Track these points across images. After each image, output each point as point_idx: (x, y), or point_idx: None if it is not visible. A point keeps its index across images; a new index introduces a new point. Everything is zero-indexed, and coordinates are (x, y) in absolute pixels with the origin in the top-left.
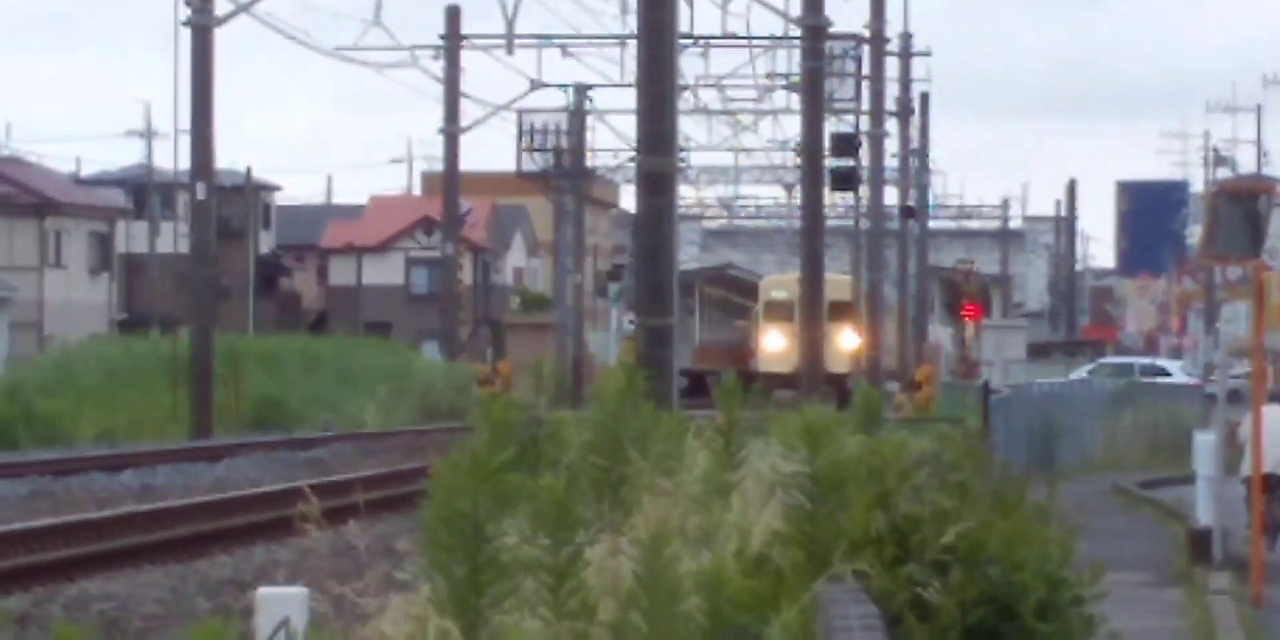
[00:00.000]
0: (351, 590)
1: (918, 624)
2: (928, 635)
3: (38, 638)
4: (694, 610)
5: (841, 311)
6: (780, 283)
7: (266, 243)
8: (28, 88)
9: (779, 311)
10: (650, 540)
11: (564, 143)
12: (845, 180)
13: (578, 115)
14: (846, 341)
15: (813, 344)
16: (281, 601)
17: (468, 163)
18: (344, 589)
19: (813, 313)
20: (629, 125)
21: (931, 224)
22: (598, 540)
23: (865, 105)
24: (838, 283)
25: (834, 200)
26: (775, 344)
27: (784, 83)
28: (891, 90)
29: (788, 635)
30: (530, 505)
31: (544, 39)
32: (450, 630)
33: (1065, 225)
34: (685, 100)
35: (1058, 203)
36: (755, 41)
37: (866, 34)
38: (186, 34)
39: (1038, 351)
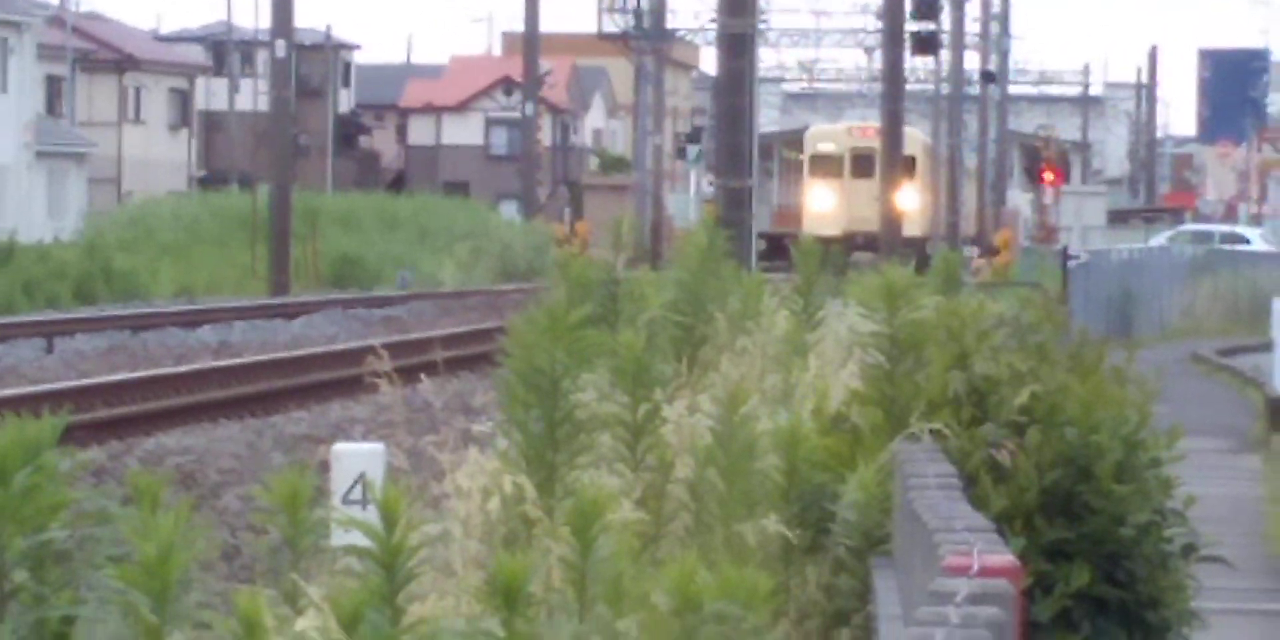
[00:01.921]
0: (428, 444)
1: (994, 484)
2: (1004, 495)
3: (115, 490)
4: (770, 468)
5: (902, 168)
6: (827, 134)
7: (345, 101)
8: None
9: (826, 167)
10: (728, 398)
11: (644, 3)
12: (926, 44)
13: None
14: (905, 201)
15: (891, 206)
16: (357, 456)
17: (548, 23)
18: (420, 442)
19: (891, 175)
20: None
21: (1011, 89)
22: (675, 397)
23: None
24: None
25: (914, 64)
26: (822, 203)
27: None
28: None
29: (864, 493)
30: (608, 362)
31: None
32: (525, 485)
33: (1146, 92)
34: None
35: (1138, 69)
36: None
37: None
38: None
39: (1116, 218)
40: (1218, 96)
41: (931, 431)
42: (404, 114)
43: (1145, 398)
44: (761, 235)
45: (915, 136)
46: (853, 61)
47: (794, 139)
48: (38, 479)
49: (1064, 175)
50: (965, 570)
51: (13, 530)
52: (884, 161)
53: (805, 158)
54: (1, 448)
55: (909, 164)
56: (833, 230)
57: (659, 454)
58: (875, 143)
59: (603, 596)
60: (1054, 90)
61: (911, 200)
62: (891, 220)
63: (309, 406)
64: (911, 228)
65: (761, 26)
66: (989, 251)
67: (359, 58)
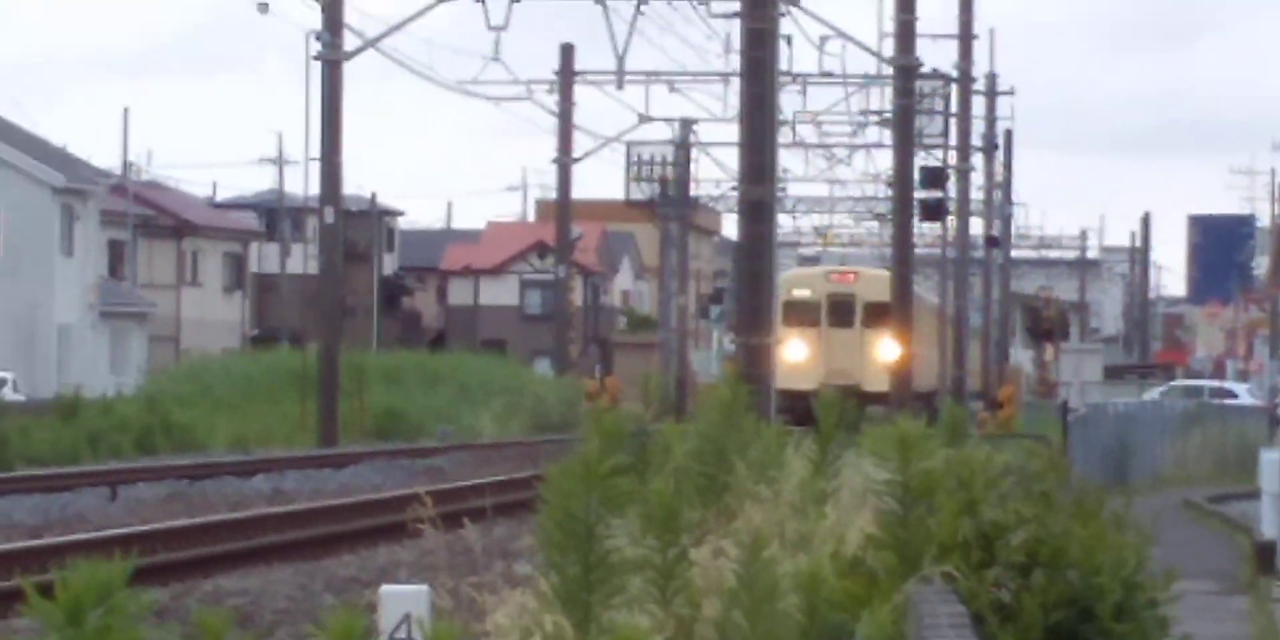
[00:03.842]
0: (469, 586)
1: (1001, 624)
2: (1012, 635)
3: (177, 628)
4: (792, 609)
5: (880, 315)
6: (802, 278)
7: (390, 264)
8: (168, 115)
9: (801, 314)
10: (751, 543)
11: (669, 173)
12: (933, 211)
13: (683, 147)
14: (885, 352)
15: (904, 363)
16: (404, 598)
17: (579, 191)
18: (462, 583)
19: (903, 330)
20: (731, 157)
21: (1013, 253)
22: (702, 542)
23: (953, 141)
24: (876, 279)
25: (922, 230)
26: (796, 354)
27: (876, 119)
28: (977, 127)
29: (880, 632)
30: (639, 509)
31: (652, 75)
32: (563, 624)
33: (1139, 256)
34: (784, 134)
35: (1132, 234)
36: (850, 80)
37: (954, 74)
38: (318, 67)
39: (1113, 374)
40: (1206, 260)
41: (942, 574)
42: (444, 276)
43: (1142, 542)
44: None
45: (920, 295)
46: (865, 228)
47: None
48: (109, 619)
49: (1064, 334)
50: None
51: None
52: (896, 317)
53: (779, 304)
54: (75, 590)
55: (888, 312)
56: (807, 384)
57: (687, 595)
58: (855, 288)
59: None
60: (1053, 254)
61: (891, 352)
62: (905, 377)
63: (357, 550)
64: (873, 381)
65: (780, 195)
66: (993, 405)
67: (402, 223)
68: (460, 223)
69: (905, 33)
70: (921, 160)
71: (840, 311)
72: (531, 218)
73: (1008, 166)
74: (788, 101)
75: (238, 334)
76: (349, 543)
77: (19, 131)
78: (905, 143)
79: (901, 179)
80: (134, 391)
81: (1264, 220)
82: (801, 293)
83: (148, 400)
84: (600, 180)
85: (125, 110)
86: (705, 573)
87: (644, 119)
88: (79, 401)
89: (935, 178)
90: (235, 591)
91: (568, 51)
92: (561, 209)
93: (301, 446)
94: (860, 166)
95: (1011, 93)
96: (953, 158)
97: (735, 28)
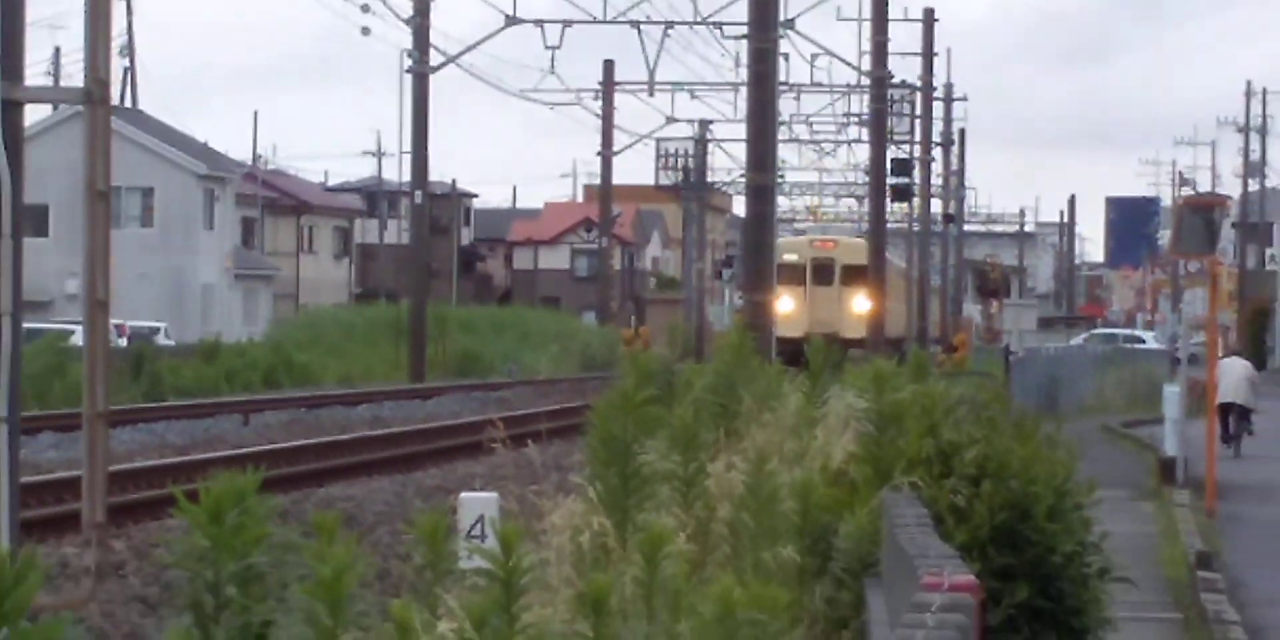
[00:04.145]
0: (531, 493)
1: (956, 524)
2: (964, 532)
3: (297, 528)
4: (788, 511)
5: (855, 275)
6: (791, 245)
7: (466, 236)
8: (290, 116)
9: (790, 275)
10: (756, 459)
11: (690, 163)
12: (902, 193)
13: (701, 143)
14: (859, 306)
15: (877, 314)
16: (478, 503)
17: (618, 177)
18: (525, 491)
19: (877, 289)
20: (740, 150)
21: (966, 227)
22: (716, 458)
23: (918, 137)
24: (852, 245)
25: (893, 208)
26: (786, 307)
27: (856, 120)
28: (937, 126)
29: (860, 530)
30: (666, 431)
31: (677, 85)
32: (605, 524)
33: (1067, 229)
34: (782, 132)
35: (1061, 212)
36: (835, 88)
37: (919, 84)
38: (409, 78)
39: (1045, 324)
40: (1120, 233)
41: (909, 483)
42: (510, 246)
43: (1069, 458)
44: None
45: (891, 261)
46: (847, 206)
47: None
48: (243, 519)
49: (1005, 292)
50: (937, 587)
51: (225, 557)
52: (871, 278)
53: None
54: (216, 496)
55: (863, 273)
56: (795, 332)
57: (704, 500)
58: (834, 253)
59: (665, 607)
60: (998, 228)
61: (864, 306)
62: (877, 325)
63: (440, 465)
64: (849, 329)
65: (779, 181)
66: (949, 348)
67: (476, 203)
68: (524, 203)
69: (879, 51)
70: (892, 153)
71: (822, 272)
72: (580, 199)
73: (961, 158)
74: (785, 106)
75: (345, 292)
76: (434, 459)
77: (169, 129)
78: (879, 139)
79: (876, 168)
80: (261, 338)
81: (1166, 201)
82: (790, 257)
83: (272, 345)
84: (635, 169)
85: (255, 113)
86: (719, 482)
87: (670, 120)
88: (218, 346)
89: (903, 167)
90: (343, 498)
91: (609, 66)
92: (604, 192)
93: (396, 382)
94: (843, 158)
95: (965, 99)
96: (918, 151)
97: (744, 47)
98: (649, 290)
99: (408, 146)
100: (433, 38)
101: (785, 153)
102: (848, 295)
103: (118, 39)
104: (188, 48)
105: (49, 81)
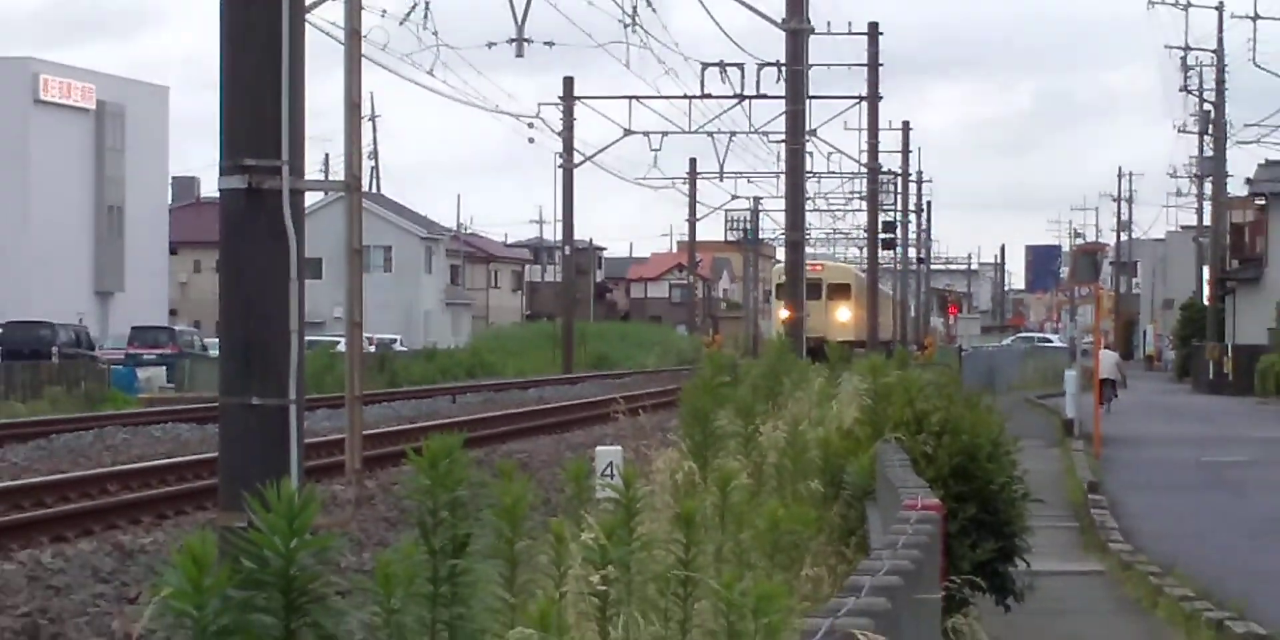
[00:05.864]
0: (643, 446)
1: (925, 465)
2: (931, 470)
3: (487, 471)
4: (815, 457)
5: (840, 291)
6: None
7: (599, 276)
8: (482, 196)
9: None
10: (792, 422)
11: (748, 226)
12: (889, 244)
13: (755, 212)
14: (841, 315)
15: (872, 325)
16: (608, 453)
17: (700, 235)
18: (639, 445)
19: (871, 305)
20: (780, 217)
21: (932, 266)
22: (766, 422)
23: (899, 206)
24: (835, 269)
25: (883, 255)
26: (784, 316)
27: (858, 195)
28: (913, 199)
29: (862, 469)
30: (732, 404)
31: (738, 174)
32: (693, 467)
33: (1000, 267)
34: (809, 204)
35: (995, 255)
36: (844, 174)
37: (900, 171)
38: (560, 172)
39: (985, 331)
40: (1036, 268)
41: (895, 437)
42: (629, 282)
43: (1001, 420)
44: (807, 340)
45: (882, 289)
46: (853, 254)
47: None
48: (452, 466)
49: (958, 309)
50: (914, 507)
51: (440, 491)
52: (868, 298)
53: (773, 286)
54: (433, 450)
55: (846, 290)
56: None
57: (759, 451)
58: (821, 275)
59: (733, 522)
60: (953, 266)
61: (845, 315)
62: (872, 331)
63: (583, 428)
64: (836, 333)
65: (806, 236)
66: (922, 348)
67: (606, 254)
68: (638, 253)
69: (873, 150)
70: (882, 217)
71: (811, 290)
72: (675, 250)
73: (928, 219)
74: (810, 187)
75: (519, 315)
76: (579, 424)
77: (401, 206)
78: (873, 208)
79: (871, 227)
80: (464, 346)
81: (1066, 247)
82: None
83: (471, 350)
84: (711, 230)
85: (458, 195)
86: (768, 438)
87: (734, 197)
88: (435, 351)
89: (890, 227)
90: (518, 451)
91: (693, 163)
92: (691, 246)
93: (553, 373)
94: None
95: (930, 180)
96: (899, 215)
97: (782, 148)
98: (721, 311)
99: (560, 216)
100: (576, 144)
101: (811, 218)
102: (832, 307)
103: (367, 146)
104: (414, 149)
105: (321, 176)
